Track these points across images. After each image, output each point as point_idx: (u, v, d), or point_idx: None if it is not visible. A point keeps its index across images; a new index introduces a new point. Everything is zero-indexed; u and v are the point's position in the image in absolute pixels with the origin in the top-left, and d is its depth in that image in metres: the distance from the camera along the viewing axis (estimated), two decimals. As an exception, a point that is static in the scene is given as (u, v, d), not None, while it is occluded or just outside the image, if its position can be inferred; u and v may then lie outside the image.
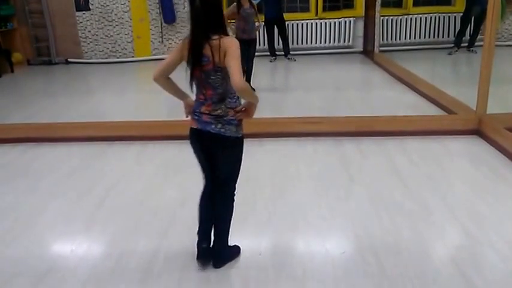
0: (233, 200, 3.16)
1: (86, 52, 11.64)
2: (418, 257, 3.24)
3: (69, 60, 11.61)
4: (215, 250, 3.19)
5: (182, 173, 4.77)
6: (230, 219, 3.18)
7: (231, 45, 2.73)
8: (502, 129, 5.06)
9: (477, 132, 5.44)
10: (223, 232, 3.18)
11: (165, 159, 5.21)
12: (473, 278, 3.01)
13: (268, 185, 4.44)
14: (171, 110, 7.42)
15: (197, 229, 3.21)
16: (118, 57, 11.61)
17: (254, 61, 7.99)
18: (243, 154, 3.06)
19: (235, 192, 3.16)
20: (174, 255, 3.37)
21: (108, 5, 11.28)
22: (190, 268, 3.20)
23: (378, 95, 7.87)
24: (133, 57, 11.60)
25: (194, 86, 2.90)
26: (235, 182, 3.14)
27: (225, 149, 2.98)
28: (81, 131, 5.88)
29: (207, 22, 2.75)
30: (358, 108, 6.70)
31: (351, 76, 9.37)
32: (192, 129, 2.98)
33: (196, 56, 2.77)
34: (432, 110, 6.49)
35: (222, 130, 2.87)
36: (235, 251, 3.33)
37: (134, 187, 4.50)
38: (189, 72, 2.86)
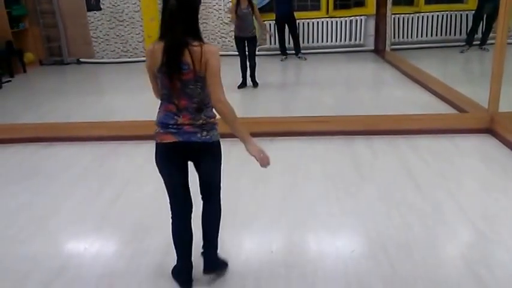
0: (221, 202, 3.07)
1: (98, 52, 11.69)
2: (428, 256, 3.24)
3: (81, 60, 11.66)
4: (210, 257, 3.06)
5: (193, 172, 4.78)
6: (220, 221, 3.08)
7: (212, 55, 2.55)
8: (514, 127, 5.03)
9: (489, 130, 5.41)
10: (216, 238, 3.06)
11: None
12: (484, 277, 3.00)
13: (279, 183, 4.45)
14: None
15: (177, 257, 3.03)
16: (129, 57, 11.64)
17: (256, 58, 8.19)
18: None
19: (221, 194, 3.08)
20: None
21: (119, 5, 11.32)
22: (201, 267, 3.21)
23: (389, 93, 7.85)
24: (144, 56, 11.59)
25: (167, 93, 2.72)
26: (221, 183, 3.05)
27: (212, 154, 2.87)
28: (93, 131, 5.92)
29: (184, 25, 2.54)
30: (369, 107, 6.68)
31: (362, 75, 9.35)
32: (166, 144, 2.80)
33: (175, 64, 2.55)
34: (444, 109, 6.46)
35: (208, 137, 2.74)
36: (225, 264, 3.20)
37: (146, 186, 4.52)
38: (160, 80, 2.69)
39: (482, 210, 3.81)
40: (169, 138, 2.76)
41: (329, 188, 4.33)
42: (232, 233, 3.59)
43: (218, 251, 3.11)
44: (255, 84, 8.19)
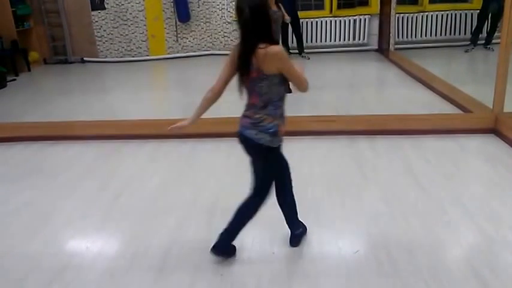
0: (256, 209, 3.15)
1: (102, 51, 11.69)
2: (432, 257, 3.22)
3: (85, 59, 11.67)
4: (223, 241, 3.20)
5: (196, 171, 4.78)
6: (244, 222, 3.19)
7: (278, 55, 2.77)
8: (519, 127, 5.01)
9: (493, 130, 5.39)
10: (236, 229, 3.19)
11: (179, 157, 5.22)
12: (487, 278, 2.98)
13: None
14: (185, 108, 7.45)
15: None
16: (133, 56, 11.65)
17: None
18: (276, 166, 3.14)
19: (261, 202, 3.13)
20: (188, 253, 3.38)
21: (123, 4, 11.33)
22: (203, 265, 3.22)
23: (392, 93, 7.83)
24: (148, 56, 11.63)
25: (244, 91, 2.96)
26: (265, 193, 3.13)
27: (257, 155, 3.04)
28: (97, 130, 5.92)
29: (255, 31, 2.77)
30: (373, 107, 6.67)
31: (366, 74, 9.33)
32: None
33: (244, 64, 2.82)
34: (448, 108, 6.44)
35: (257, 137, 2.90)
36: (233, 249, 3.32)
37: (148, 185, 4.52)
38: (238, 78, 2.92)
39: (486, 210, 3.80)
40: (238, 129, 3.03)
41: (332, 188, 4.32)
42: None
43: (233, 242, 3.25)
44: None
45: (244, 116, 2.97)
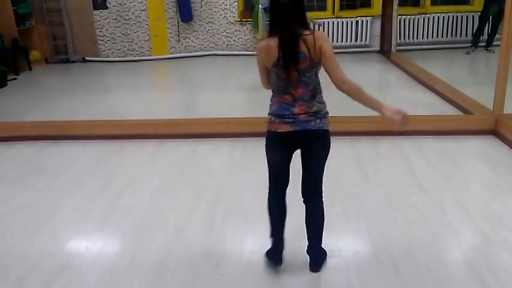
0: (323, 199, 3.15)
1: (104, 50, 11.70)
2: (432, 258, 3.22)
3: (87, 58, 11.67)
4: (315, 253, 3.15)
5: (197, 172, 4.78)
6: (325, 220, 3.16)
7: (325, 40, 2.68)
8: (520, 129, 5.01)
9: (494, 132, 5.40)
10: (322, 232, 3.15)
11: (180, 157, 5.22)
12: (488, 280, 2.98)
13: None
14: (187, 108, 7.46)
15: (270, 233, 3.14)
16: (135, 56, 11.65)
17: None
18: None
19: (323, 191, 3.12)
20: (188, 254, 3.38)
21: (125, 4, 11.33)
22: (204, 266, 3.22)
23: (394, 94, 7.82)
24: (150, 55, 11.64)
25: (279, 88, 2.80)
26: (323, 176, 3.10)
27: (323, 143, 2.97)
28: (98, 129, 5.92)
29: (297, 18, 2.66)
30: (374, 108, 6.66)
31: (368, 75, 9.32)
32: (280, 133, 2.84)
33: (293, 55, 2.65)
34: (449, 110, 6.44)
35: (321, 124, 2.85)
36: (325, 253, 3.28)
37: (149, 185, 4.52)
38: (275, 74, 2.76)
39: (487, 212, 3.80)
40: (285, 128, 2.82)
41: (333, 188, 4.31)
42: (235, 233, 3.59)
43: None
44: None
45: (295, 114, 2.78)
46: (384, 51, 10.88)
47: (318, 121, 2.83)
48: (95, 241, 3.66)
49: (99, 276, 3.21)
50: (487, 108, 5.69)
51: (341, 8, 11.25)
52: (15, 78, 9.86)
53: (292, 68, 2.67)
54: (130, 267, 3.28)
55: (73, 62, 11.62)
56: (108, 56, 11.70)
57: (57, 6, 11.32)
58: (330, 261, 3.25)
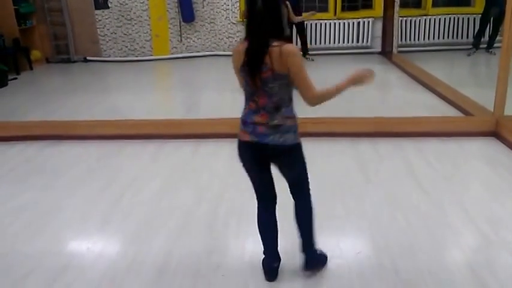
0: (311, 198, 3.07)
1: (105, 50, 11.70)
2: (433, 260, 3.23)
3: (88, 58, 11.68)
4: (306, 253, 3.12)
5: (198, 172, 4.79)
6: (313, 218, 3.07)
7: (291, 56, 2.58)
8: (520, 131, 5.02)
9: (494, 134, 5.41)
10: (311, 233, 3.08)
11: (181, 157, 5.23)
12: (488, 281, 2.99)
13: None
14: (188, 108, 7.47)
15: (263, 249, 3.13)
16: (136, 56, 11.66)
17: None
18: (305, 160, 2.99)
19: (311, 198, 3.07)
20: (189, 254, 3.39)
21: (127, 4, 11.34)
22: (205, 266, 3.22)
23: (395, 95, 7.84)
24: (151, 55, 11.64)
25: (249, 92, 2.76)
26: (308, 180, 3.03)
27: (287, 157, 2.87)
28: (99, 129, 5.93)
29: (268, 26, 2.59)
30: (375, 109, 6.66)
31: (369, 76, 9.32)
32: (243, 142, 2.83)
33: (255, 63, 2.60)
34: (449, 111, 6.45)
35: (282, 140, 2.73)
36: (325, 257, 3.26)
37: (151, 185, 4.53)
38: (244, 79, 2.73)
39: (487, 213, 3.80)
40: (246, 137, 2.80)
41: (334, 189, 4.32)
42: (236, 233, 3.60)
43: (316, 246, 3.14)
44: None
45: (255, 123, 2.73)
46: (385, 52, 10.88)
47: (277, 135, 2.73)
48: (96, 241, 3.66)
49: (100, 276, 3.22)
50: (487, 109, 5.69)
51: (343, 9, 11.25)
52: (16, 78, 9.87)
53: (256, 76, 2.63)
54: (131, 268, 3.29)
55: (74, 61, 11.62)
56: (109, 56, 11.71)
57: (58, 6, 11.33)
58: (330, 261, 3.25)
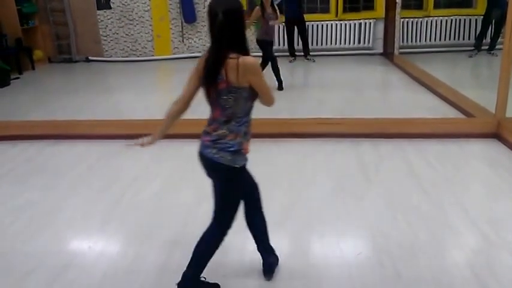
0: (216, 244, 2.89)
1: (107, 50, 11.73)
2: (433, 260, 3.23)
3: (90, 58, 11.70)
4: (186, 277, 2.91)
5: (200, 173, 4.78)
6: (209, 255, 2.90)
7: (252, 67, 2.54)
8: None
9: (496, 135, 5.40)
10: (200, 263, 2.92)
11: (182, 157, 5.22)
12: (488, 282, 2.99)
13: (285, 184, 4.45)
14: (189, 109, 7.47)
15: (257, 247, 3.14)
16: (138, 56, 11.67)
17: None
18: (239, 191, 2.87)
19: (222, 236, 2.88)
20: (190, 254, 3.38)
21: (128, 4, 11.36)
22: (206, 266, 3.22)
23: (396, 97, 7.83)
24: (153, 56, 11.65)
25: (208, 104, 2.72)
26: (226, 223, 2.87)
27: (217, 176, 2.80)
28: (100, 129, 5.94)
29: (230, 39, 2.53)
30: (377, 110, 6.67)
31: (370, 78, 9.33)
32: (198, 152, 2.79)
33: (211, 74, 2.55)
34: (451, 113, 6.45)
35: (216, 156, 2.64)
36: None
37: (151, 185, 4.53)
38: (204, 90, 2.67)
39: (488, 215, 3.80)
40: (198, 148, 2.77)
41: (335, 190, 4.33)
42: (237, 234, 3.59)
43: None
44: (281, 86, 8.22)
45: (205, 132, 2.71)
46: (387, 53, 10.89)
47: (214, 151, 2.65)
48: (97, 241, 3.67)
49: (101, 275, 3.22)
50: (489, 111, 5.69)
51: (344, 11, 11.27)
52: (18, 78, 9.90)
53: (211, 88, 2.59)
54: (132, 267, 3.29)
55: (76, 61, 11.66)
56: (111, 56, 11.73)
57: (61, 6, 11.37)
58: (331, 262, 3.26)
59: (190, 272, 2.89)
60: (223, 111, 2.63)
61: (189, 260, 2.90)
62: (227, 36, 2.52)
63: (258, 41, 8.07)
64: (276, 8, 8.04)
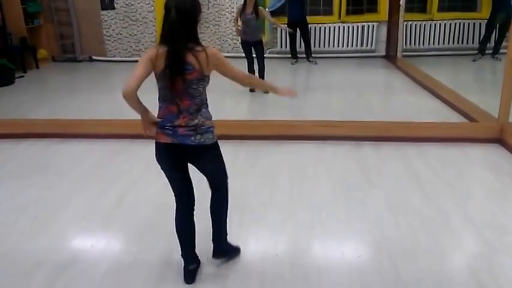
0: (228, 193, 3.19)
1: (110, 50, 11.75)
2: (434, 264, 3.24)
3: (93, 57, 11.72)
4: (216, 244, 3.22)
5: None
6: (227, 212, 3.23)
7: (218, 55, 2.78)
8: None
9: (498, 140, 5.40)
10: (223, 225, 3.23)
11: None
12: (489, 285, 3.00)
13: (287, 186, 4.46)
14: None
15: (181, 252, 3.15)
16: (141, 56, 11.65)
17: (265, 61, 8.16)
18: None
19: (227, 193, 3.19)
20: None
21: (132, 4, 11.38)
22: (207, 266, 3.24)
23: (399, 100, 7.83)
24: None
25: (163, 97, 2.85)
26: (226, 176, 3.14)
27: (207, 156, 2.95)
28: (103, 128, 5.96)
29: (184, 34, 2.68)
30: (379, 113, 6.68)
31: (373, 80, 9.33)
32: (163, 144, 2.90)
33: (178, 66, 2.69)
34: (453, 117, 6.45)
35: (202, 140, 2.82)
36: (236, 249, 3.38)
37: (153, 184, 4.54)
38: (161, 83, 2.80)
39: (489, 219, 3.81)
40: (165, 139, 2.86)
41: (336, 192, 4.34)
42: (238, 234, 3.61)
43: (228, 238, 3.28)
44: None
45: (175, 126, 2.81)
46: (390, 56, 10.89)
47: (198, 136, 2.81)
48: (100, 239, 3.69)
49: (104, 272, 3.24)
50: (492, 116, 5.69)
51: (347, 13, 11.26)
52: (22, 76, 9.92)
53: (178, 78, 2.71)
54: (134, 265, 3.31)
55: (80, 61, 11.67)
56: (114, 56, 11.75)
57: (65, 6, 11.38)
58: (331, 264, 3.27)
59: (221, 239, 3.24)
60: (193, 100, 2.79)
61: (212, 233, 3.21)
62: (181, 31, 2.68)
63: (241, 42, 8.26)
64: (261, 9, 8.01)
